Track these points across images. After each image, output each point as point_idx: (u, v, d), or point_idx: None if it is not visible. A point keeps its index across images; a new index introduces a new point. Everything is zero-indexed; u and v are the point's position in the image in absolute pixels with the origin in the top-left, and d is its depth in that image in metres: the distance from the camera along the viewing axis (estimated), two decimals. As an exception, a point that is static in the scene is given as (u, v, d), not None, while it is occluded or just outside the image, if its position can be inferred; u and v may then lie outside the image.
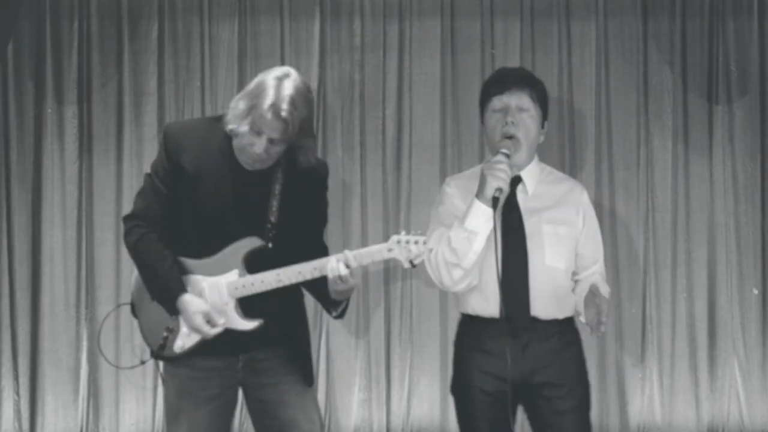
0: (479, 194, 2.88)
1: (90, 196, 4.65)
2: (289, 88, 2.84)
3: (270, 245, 2.93)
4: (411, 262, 2.91)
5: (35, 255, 4.64)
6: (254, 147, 2.85)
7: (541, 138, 3.12)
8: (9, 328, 4.62)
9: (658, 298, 4.68)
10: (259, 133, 2.83)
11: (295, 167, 2.97)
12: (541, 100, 3.09)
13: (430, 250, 2.97)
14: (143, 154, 4.62)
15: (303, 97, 2.86)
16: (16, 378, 4.63)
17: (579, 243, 3.05)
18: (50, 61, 4.63)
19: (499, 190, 2.84)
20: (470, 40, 4.66)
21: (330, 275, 2.88)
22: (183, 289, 2.93)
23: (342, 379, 4.66)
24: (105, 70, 4.65)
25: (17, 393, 4.63)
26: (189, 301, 2.91)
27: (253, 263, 2.94)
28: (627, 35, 4.69)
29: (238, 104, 2.86)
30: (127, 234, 3.01)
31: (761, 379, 4.66)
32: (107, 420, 4.64)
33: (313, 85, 4.66)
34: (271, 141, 2.84)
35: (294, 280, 2.93)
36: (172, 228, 2.97)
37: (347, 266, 2.87)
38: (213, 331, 2.90)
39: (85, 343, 4.63)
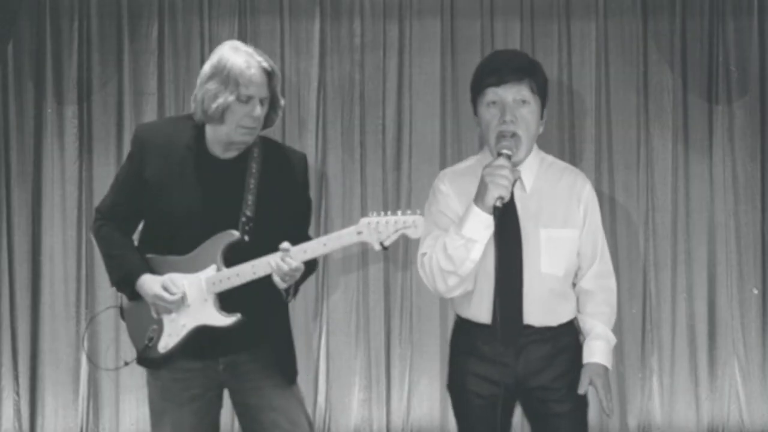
0: (478, 201, 2.68)
1: (90, 196, 4.65)
2: (248, 48, 2.92)
3: (246, 238, 2.92)
4: (381, 243, 2.86)
5: (35, 255, 4.64)
6: (253, 113, 2.86)
7: (541, 129, 2.89)
8: (9, 328, 4.62)
9: (658, 298, 4.68)
10: (248, 99, 2.86)
11: (271, 160, 2.99)
12: (541, 89, 2.83)
13: (423, 255, 2.82)
14: (143, 154, 4.62)
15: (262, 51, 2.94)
16: (16, 378, 4.63)
17: (580, 241, 2.89)
18: (50, 61, 4.63)
19: (501, 198, 2.65)
20: (470, 40, 4.66)
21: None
22: (143, 270, 2.96)
23: (342, 379, 4.67)
24: (105, 70, 4.66)
25: (17, 393, 4.63)
26: (146, 277, 2.96)
27: (232, 258, 2.93)
28: (627, 35, 4.69)
29: (207, 87, 2.88)
30: (92, 226, 3.13)
31: (761, 379, 4.66)
32: (107, 420, 4.64)
33: (313, 85, 4.67)
34: (261, 102, 2.89)
35: (268, 270, 2.89)
36: (150, 227, 3.01)
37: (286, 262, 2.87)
38: (172, 299, 2.91)
39: (85, 343, 4.63)
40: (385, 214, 2.87)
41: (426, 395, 4.66)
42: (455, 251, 2.72)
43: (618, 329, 4.60)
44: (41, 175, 4.66)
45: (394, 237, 2.85)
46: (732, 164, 4.68)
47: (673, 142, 4.68)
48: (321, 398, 4.63)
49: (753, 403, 4.66)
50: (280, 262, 2.86)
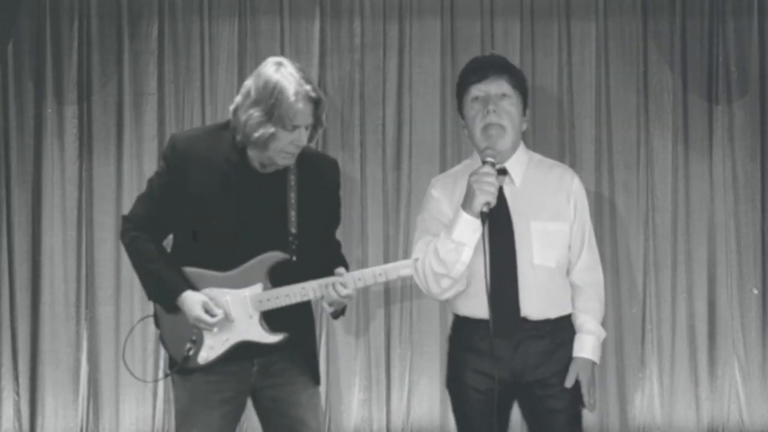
0: (466, 206, 2.79)
1: (90, 196, 4.65)
2: (295, 71, 2.85)
3: (294, 258, 2.92)
4: None
5: (35, 255, 4.64)
6: (298, 141, 2.84)
7: (524, 126, 3.01)
8: (9, 328, 4.62)
9: (658, 298, 4.68)
10: (294, 128, 2.82)
11: (307, 170, 2.97)
12: (520, 86, 2.97)
13: (416, 260, 2.91)
14: (143, 154, 4.63)
15: (308, 73, 2.89)
16: (16, 378, 4.63)
17: (571, 234, 2.96)
18: (50, 61, 4.63)
19: (488, 204, 2.76)
20: (470, 40, 4.66)
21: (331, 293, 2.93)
22: (184, 287, 2.93)
23: (342, 379, 4.67)
24: (105, 70, 4.66)
25: (17, 393, 4.63)
26: (187, 294, 2.92)
27: (277, 275, 2.93)
28: (627, 35, 4.69)
29: (251, 113, 2.82)
30: (122, 235, 3.05)
31: (761, 379, 4.66)
32: (107, 420, 4.64)
33: (313, 85, 4.66)
34: (306, 128, 2.86)
35: (319, 294, 2.93)
36: (189, 239, 2.97)
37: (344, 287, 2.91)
38: (213, 321, 2.90)
39: (85, 343, 4.63)
40: None
41: (426, 395, 4.66)
42: (446, 255, 2.82)
43: (618, 329, 4.62)
44: (41, 175, 4.65)
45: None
46: (732, 164, 4.68)
47: (673, 142, 4.68)
48: (321, 398, 4.62)
49: (753, 403, 4.66)
50: (332, 290, 2.90)
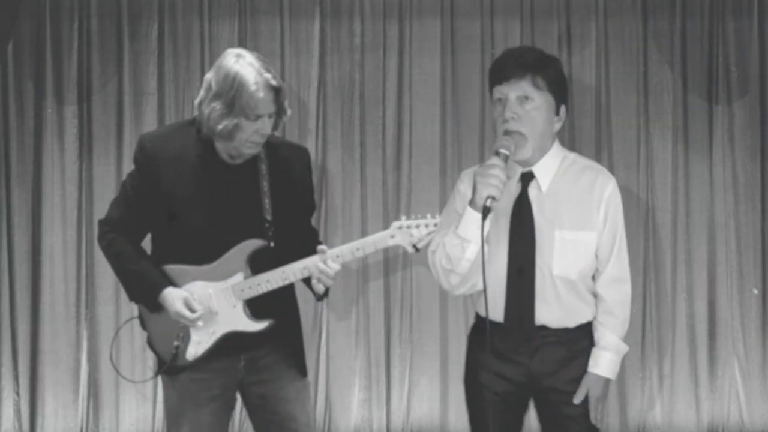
0: (471, 201, 2.69)
1: (90, 196, 4.65)
2: (254, 61, 2.87)
3: (271, 244, 2.94)
4: (414, 246, 2.97)
5: (35, 255, 4.64)
6: (263, 130, 2.86)
7: (557, 125, 2.88)
8: (9, 328, 4.62)
9: (658, 298, 4.68)
10: (257, 117, 2.84)
11: (277, 159, 3.00)
12: (552, 84, 2.81)
13: (433, 252, 2.86)
14: (143, 154, 4.62)
15: (269, 62, 2.91)
16: (16, 378, 4.63)
17: (599, 243, 2.87)
18: (50, 61, 4.63)
19: (491, 198, 2.64)
20: (470, 40, 4.66)
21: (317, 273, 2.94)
22: (165, 284, 2.95)
23: (342, 379, 4.67)
24: (105, 70, 4.65)
25: (17, 393, 4.63)
26: (168, 291, 2.94)
27: (256, 263, 2.95)
28: (627, 35, 4.69)
29: (213, 106, 2.85)
30: (99, 239, 3.08)
31: (761, 379, 4.66)
32: (107, 420, 4.64)
33: (313, 85, 4.66)
34: (269, 116, 2.88)
35: (299, 277, 2.96)
36: (167, 237, 2.99)
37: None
38: (193, 316, 2.92)
39: (85, 343, 4.63)
40: (415, 218, 2.96)
41: (426, 395, 4.66)
42: (452, 250, 2.74)
43: (618, 329, 4.62)
44: (41, 175, 4.65)
45: (426, 239, 2.96)
46: (732, 164, 4.68)
47: (673, 142, 4.68)
48: (321, 398, 4.63)
49: (753, 403, 4.66)
50: (323, 265, 2.91)
